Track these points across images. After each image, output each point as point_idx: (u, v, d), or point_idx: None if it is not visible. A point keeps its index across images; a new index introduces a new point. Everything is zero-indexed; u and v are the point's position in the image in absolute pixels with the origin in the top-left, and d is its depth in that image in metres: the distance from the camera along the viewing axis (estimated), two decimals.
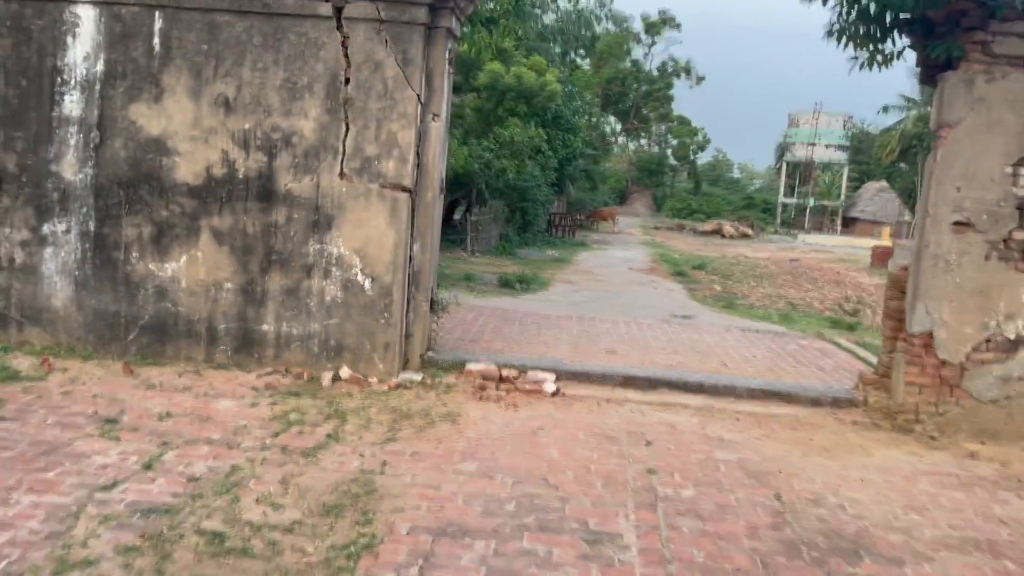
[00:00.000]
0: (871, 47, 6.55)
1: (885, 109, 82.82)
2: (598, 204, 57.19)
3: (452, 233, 29.18)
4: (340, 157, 6.61)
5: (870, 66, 6.65)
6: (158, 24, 6.47)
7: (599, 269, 27.06)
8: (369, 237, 6.62)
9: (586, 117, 42.91)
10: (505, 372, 6.66)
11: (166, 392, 6.11)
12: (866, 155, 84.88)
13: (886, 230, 65.58)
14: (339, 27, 6.53)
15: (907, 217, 76.84)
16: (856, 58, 6.68)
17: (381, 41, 6.50)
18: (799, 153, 70.77)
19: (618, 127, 62.99)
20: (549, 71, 28.41)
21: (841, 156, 71.49)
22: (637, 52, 60.35)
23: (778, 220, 73.23)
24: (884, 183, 79.96)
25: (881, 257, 35.75)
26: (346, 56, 6.55)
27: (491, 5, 16.89)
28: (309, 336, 6.72)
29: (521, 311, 11.19)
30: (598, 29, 36.56)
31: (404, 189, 6.62)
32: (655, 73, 61.27)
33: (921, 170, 72.31)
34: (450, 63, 6.89)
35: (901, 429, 6.22)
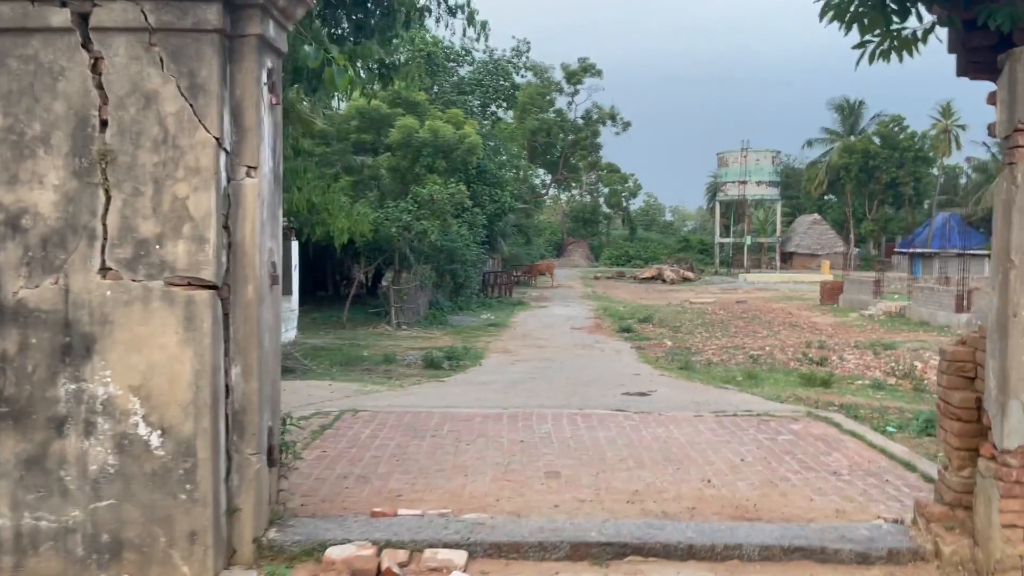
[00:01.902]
0: (886, 27, 4.49)
1: (809, 143, 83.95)
2: (534, 258, 55.40)
3: (375, 305, 26.71)
4: (100, 243, 4.20)
5: (885, 55, 4.59)
6: None
7: (539, 332, 24.86)
8: (153, 365, 4.18)
9: (513, 170, 41.22)
10: (388, 559, 4.23)
11: None
12: (795, 189, 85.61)
13: (825, 263, 65.35)
14: (86, 44, 4.18)
15: (841, 248, 77.25)
16: (864, 45, 4.61)
17: (153, 60, 4.17)
18: (731, 192, 70.52)
19: (548, 178, 61.70)
20: (467, 123, 26.53)
21: (773, 192, 71.51)
22: (560, 102, 59.52)
23: (717, 261, 72.60)
24: (817, 216, 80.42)
25: (830, 293, 34.51)
26: (100, 87, 4.19)
27: (401, 57, 14.60)
28: (68, 530, 4.19)
29: (438, 413, 8.76)
30: (517, 79, 35.09)
31: (206, 284, 4.22)
32: (580, 122, 60.40)
33: (851, 199, 72.82)
34: (271, 89, 4.58)
35: None
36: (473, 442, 7.39)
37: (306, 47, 5.62)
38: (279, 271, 4.69)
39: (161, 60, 4.19)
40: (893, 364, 17.84)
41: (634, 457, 6.86)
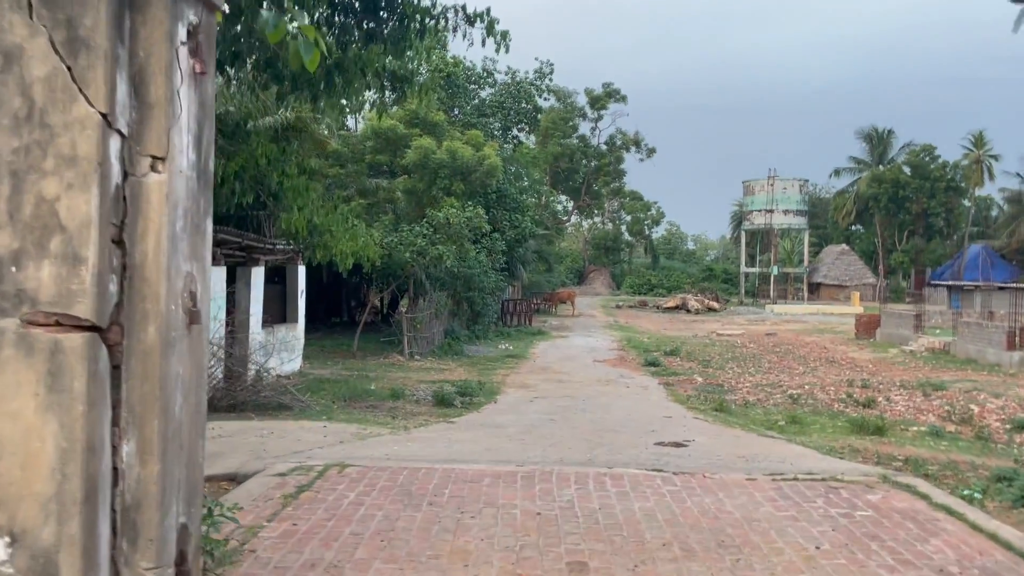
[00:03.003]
0: None
1: (837, 172, 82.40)
2: (555, 286, 54.04)
3: (388, 334, 25.44)
4: None
5: None
6: None
7: (560, 364, 23.43)
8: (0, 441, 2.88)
9: (535, 196, 40.04)
10: None
11: None
12: (821, 219, 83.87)
13: (855, 295, 63.42)
14: None
15: (870, 279, 75.19)
16: None
17: (18, 3, 2.92)
18: (757, 221, 68.86)
19: (570, 205, 60.48)
20: (488, 145, 25.37)
21: (800, 221, 69.76)
22: (584, 127, 58.43)
23: (742, 290, 70.79)
24: (845, 246, 78.49)
25: (866, 327, 32.82)
26: None
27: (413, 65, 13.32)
28: None
29: (440, 469, 7.39)
30: (540, 102, 34.01)
31: (82, 325, 2.92)
32: (603, 147, 59.24)
33: (880, 230, 71.00)
34: (195, 53, 3.30)
35: None
36: (479, 514, 6.01)
37: (263, 12, 4.35)
38: (202, 304, 3.37)
39: (29, 3, 2.93)
40: (947, 407, 16.25)
41: (679, 541, 5.44)
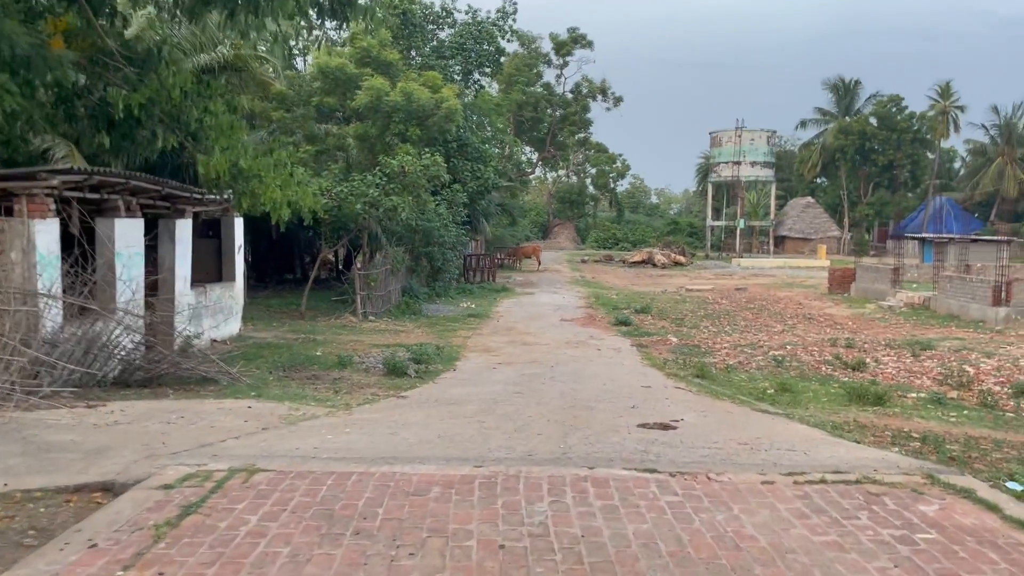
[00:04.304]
0: None
1: (803, 124, 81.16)
2: (519, 240, 52.35)
3: (341, 292, 23.65)
4: None
5: None
6: None
7: (525, 324, 21.89)
8: None
9: (498, 145, 38.09)
10: None
11: None
12: (787, 171, 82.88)
13: (822, 248, 62.75)
14: None
15: (835, 232, 74.67)
16: None
17: None
18: (724, 173, 67.59)
19: (534, 156, 58.48)
20: (446, 87, 23.36)
21: (768, 173, 68.67)
22: (548, 75, 56.14)
23: (708, 244, 69.80)
24: (810, 199, 77.77)
25: (840, 281, 31.74)
26: None
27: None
28: None
29: (377, 475, 5.81)
30: (502, 43, 31.88)
31: None
32: (569, 96, 57.08)
33: (845, 182, 70.35)
34: None
35: None
36: (421, 548, 4.45)
37: None
38: None
39: None
40: (942, 370, 15.09)
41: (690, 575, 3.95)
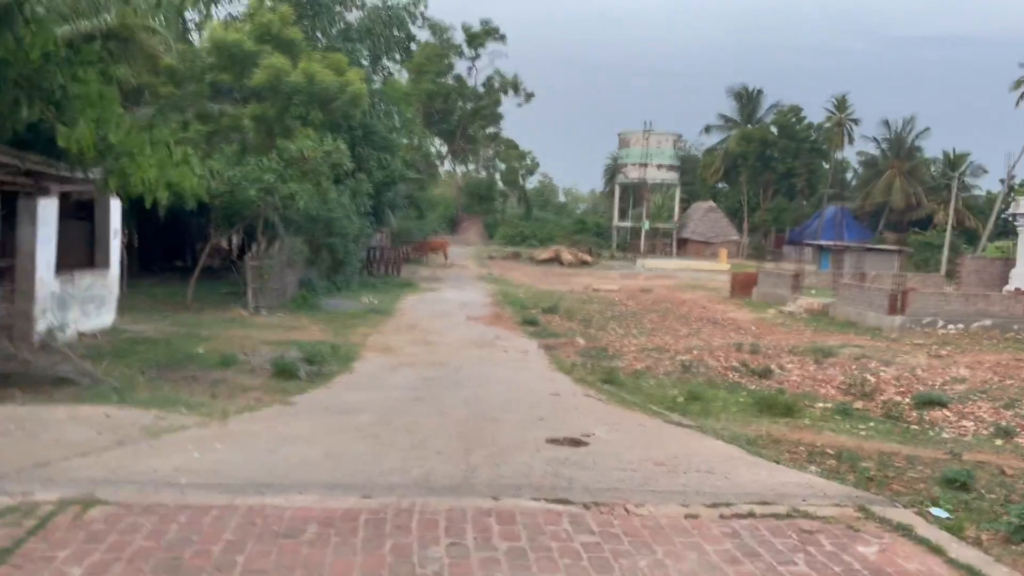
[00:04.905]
0: None
1: (707, 130, 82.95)
2: (427, 234, 51.26)
3: (232, 283, 22.18)
4: None
5: None
6: None
7: (429, 322, 21.02)
8: None
9: (407, 135, 36.95)
10: None
11: None
12: (691, 175, 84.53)
13: (723, 251, 64.11)
14: None
15: (734, 236, 76.62)
16: None
17: None
18: (632, 174, 68.25)
19: (444, 149, 57.43)
20: (352, 70, 22.20)
21: (673, 176, 69.79)
22: (460, 67, 55.17)
23: (614, 244, 70.38)
24: (712, 203, 79.48)
25: (743, 285, 32.15)
26: None
27: None
28: None
29: (242, 509, 4.90)
30: (413, 30, 30.86)
31: None
32: (480, 89, 56.28)
33: (745, 188, 72.31)
34: None
35: None
36: None
37: None
38: None
39: None
40: (845, 379, 15.10)
41: None
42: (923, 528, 5.15)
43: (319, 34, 28.80)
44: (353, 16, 30.84)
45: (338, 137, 21.58)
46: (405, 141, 37.25)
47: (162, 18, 20.93)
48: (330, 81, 20.44)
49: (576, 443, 7.74)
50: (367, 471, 6.12)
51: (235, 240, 30.21)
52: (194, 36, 26.61)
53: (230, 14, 20.41)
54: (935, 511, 6.66)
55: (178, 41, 23.55)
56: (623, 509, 5.25)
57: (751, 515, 5.22)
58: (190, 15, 22.21)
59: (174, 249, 32.30)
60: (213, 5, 23.30)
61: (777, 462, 7.65)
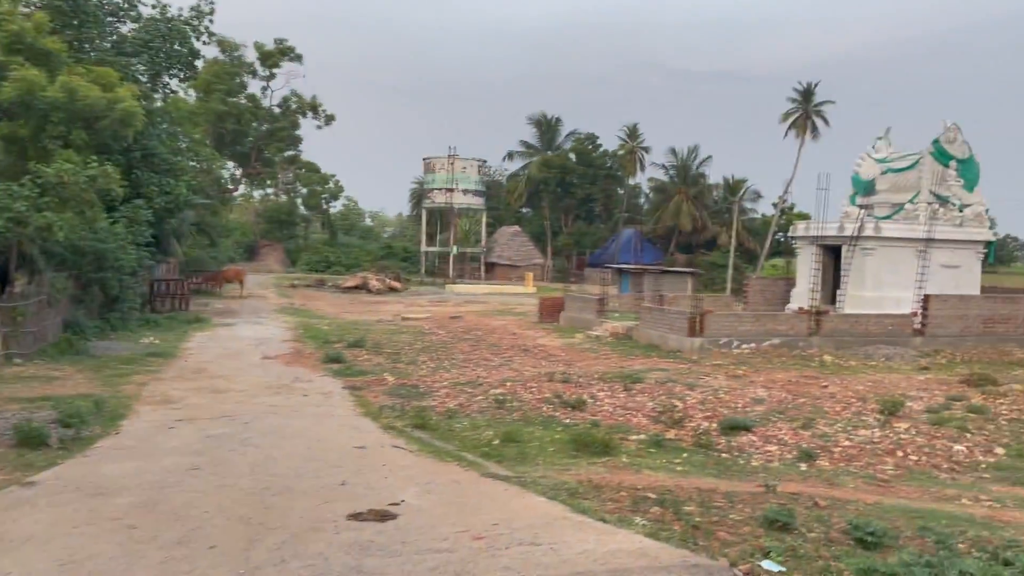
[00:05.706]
0: None
1: (510, 156, 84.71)
2: (221, 263, 47.84)
3: None
4: None
5: None
6: None
7: (219, 364, 18.98)
8: None
9: (193, 158, 34.15)
10: None
11: None
12: (496, 200, 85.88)
13: (529, 275, 65.16)
14: None
15: (540, 260, 78.52)
16: None
17: None
18: (438, 199, 67.99)
19: (238, 172, 54.09)
20: (123, 87, 19.85)
21: (479, 201, 70.31)
22: (254, 87, 52.33)
23: (423, 269, 69.63)
24: (517, 227, 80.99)
25: (550, 310, 32.38)
26: None
27: None
28: None
29: None
30: (198, 46, 28.46)
31: None
32: (276, 110, 53.68)
33: (548, 213, 74.32)
34: None
35: None
36: None
37: None
38: None
39: None
40: (654, 406, 15.11)
41: None
42: None
43: (87, 45, 25.82)
44: (128, 28, 27.99)
45: (109, 160, 19.13)
46: (192, 164, 34.43)
47: None
48: (95, 97, 18.05)
49: (383, 516, 6.72)
50: None
51: None
52: None
53: None
54: (767, 565, 6.31)
55: None
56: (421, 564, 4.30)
57: None
58: None
59: None
60: None
61: (603, 520, 7.05)
